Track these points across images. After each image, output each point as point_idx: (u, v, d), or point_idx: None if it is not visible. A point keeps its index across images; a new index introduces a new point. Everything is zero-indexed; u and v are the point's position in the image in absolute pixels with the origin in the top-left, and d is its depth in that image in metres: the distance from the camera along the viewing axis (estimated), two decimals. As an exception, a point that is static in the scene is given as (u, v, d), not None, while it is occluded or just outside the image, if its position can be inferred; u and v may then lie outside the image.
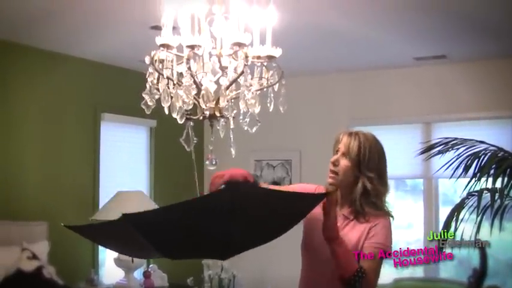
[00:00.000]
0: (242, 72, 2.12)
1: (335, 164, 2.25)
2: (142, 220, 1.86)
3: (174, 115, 2.14)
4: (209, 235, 1.98)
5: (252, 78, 2.18)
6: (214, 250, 2.13)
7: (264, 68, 2.22)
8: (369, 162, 2.22)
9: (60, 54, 4.86)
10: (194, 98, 2.16)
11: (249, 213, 1.95)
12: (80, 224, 2.11)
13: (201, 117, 2.21)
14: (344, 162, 2.23)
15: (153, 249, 2.04)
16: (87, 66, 5.12)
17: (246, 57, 2.11)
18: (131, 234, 1.88)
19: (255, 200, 1.97)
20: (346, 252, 2.12)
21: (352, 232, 2.22)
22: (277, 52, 2.16)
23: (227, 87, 2.18)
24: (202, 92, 2.15)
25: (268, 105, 2.22)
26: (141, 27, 4.00)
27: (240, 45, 2.10)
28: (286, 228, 2.19)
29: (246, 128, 2.20)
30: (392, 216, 2.28)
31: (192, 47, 2.10)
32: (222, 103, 2.14)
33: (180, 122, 2.14)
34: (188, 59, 2.10)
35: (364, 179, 2.21)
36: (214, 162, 2.17)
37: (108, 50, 4.80)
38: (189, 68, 2.10)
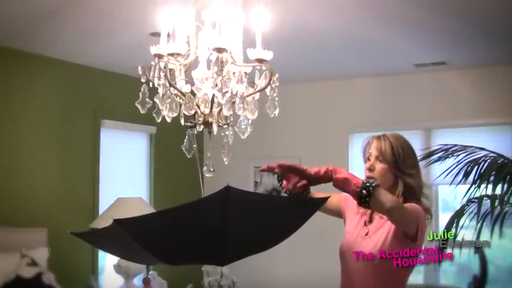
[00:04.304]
0: (215, 84, 2.08)
1: (371, 169, 2.24)
2: (135, 225, 1.84)
3: (182, 122, 2.15)
4: (204, 239, 1.97)
5: (242, 83, 2.13)
6: (212, 256, 2.11)
7: (263, 72, 2.19)
8: (406, 160, 2.24)
9: (60, 60, 4.86)
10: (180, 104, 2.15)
11: (246, 217, 1.93)
12: (82, 230, 2.11)
13: (197, 124, 2.20)
14: (380, 166, 2.24)
15: (152, 255, 2.03)
16: (86, 72, 5.12)
17: (221, 62, 2.09)
18: (130, 240, 1.87)
19: (251, 204, 1.96)
20: (346, 177, 2.01)
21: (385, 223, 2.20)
22: (267, 55, 2.12)
23: (212, 95, 2.16)
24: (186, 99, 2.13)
25: (271, 111, 2.20)
26: (140, 34, 4.00)
27: (220, 50, 2.06)
28: (287, 234, 2.18)
29: (240, 135, 2.18)
30: (430, 214, 2.24)
31: (171, 54, 2.08)
32: (206, 109, 2.12)
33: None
34: (165, 67, 2.08)
35: (405, 177, 2.22)
36: (211, 169, 2.17)
37: (107, 56, 4.80)
38: (165, 76, 2.08)
